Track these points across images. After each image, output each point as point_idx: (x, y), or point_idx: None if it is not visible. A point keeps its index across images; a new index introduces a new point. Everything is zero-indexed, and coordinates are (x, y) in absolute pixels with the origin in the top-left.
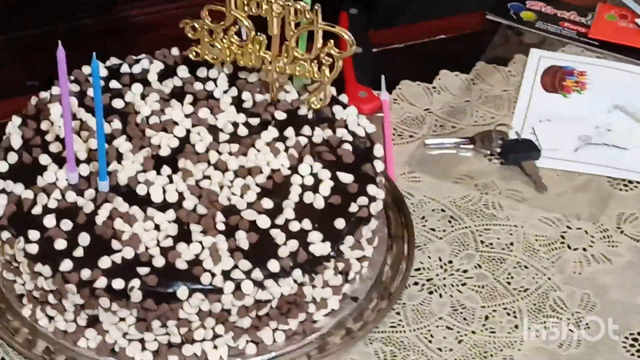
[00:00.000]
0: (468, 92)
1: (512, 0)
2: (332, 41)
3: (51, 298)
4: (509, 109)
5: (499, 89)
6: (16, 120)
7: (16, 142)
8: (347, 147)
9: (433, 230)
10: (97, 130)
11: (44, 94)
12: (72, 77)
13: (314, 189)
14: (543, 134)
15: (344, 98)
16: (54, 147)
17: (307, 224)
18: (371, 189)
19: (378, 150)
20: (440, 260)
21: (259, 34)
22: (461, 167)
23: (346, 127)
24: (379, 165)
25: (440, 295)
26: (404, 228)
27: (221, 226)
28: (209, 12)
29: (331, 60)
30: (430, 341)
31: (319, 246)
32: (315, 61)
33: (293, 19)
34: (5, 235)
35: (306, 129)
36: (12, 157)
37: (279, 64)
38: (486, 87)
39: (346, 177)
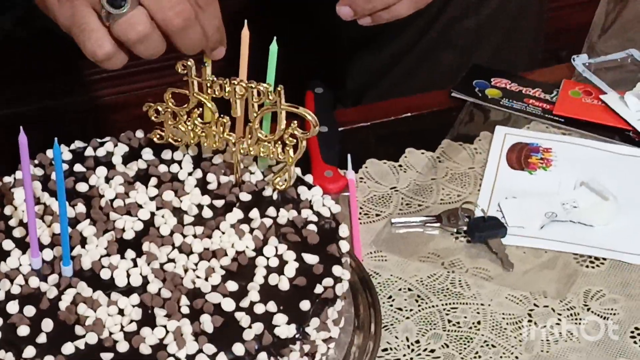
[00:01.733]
0: (434, 170)
1: (478, 78)
2: (295, 122)
3: None
4: (475, 187)
5: (464, 166)
6: None
7: None
8: (312, 227)
9: (400, 309)
10: (60, 215)
11: (7, 179)
12: (36, 161)
13: (279, 270)
14: (509, 211)
15: (309, 178)
16: (18, 232)
17: (272, 306)
18: (336, 269)
19: (343, 230)
20: (407, 340)
21: (222, 115)
22: (428, 245)
23: (311, 207)
24: (344, 246)
25: None
26: (370, 308)
27: (185, 310)
28: (172, 95)
29: (295, 140)
30: None
31: (284, 328)
32: (280, 142)
33: (256, 101)
34: None
35: (271, 210)
36: None
37: (243, 146)
38: (452, 164)
39: (311, 259)
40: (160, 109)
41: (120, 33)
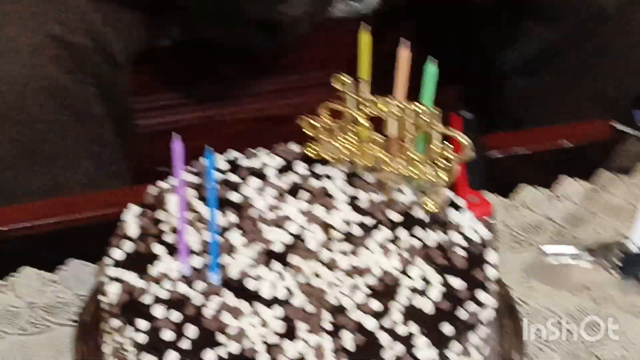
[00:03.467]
0: (590, 201)
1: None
2: (449, 144)
3: None
4: (632, 221)
5: (622, 199)
6: (135, 209)
7: (133, 231)
8: (460, 251)
9: (546, 341)
10: (210, 223)
11: (163, 184)
12: (192, 169)
13: (423, 292)
14: None
15: (461, 202)
16: (169, 238)
17: (414, 328)
18: (481, 295)
19: (491, 256)
20: None
21: (376, 134)
22: (579, 277)
23: (460, 231)
24: (491, 272)
25: None
26: (515, 337)
27: (328, 326)
28: (327, 111)
29: (448, 163)
30: None
31: (425, 351)
32: (432, 164)
33: (411, 121)
34: (117, 323)
35: (419, 232)
36: (128, 246)
37: (395, 166)
38: (609, 197)
39: (457, 283)
40: (315, 123)
41: None
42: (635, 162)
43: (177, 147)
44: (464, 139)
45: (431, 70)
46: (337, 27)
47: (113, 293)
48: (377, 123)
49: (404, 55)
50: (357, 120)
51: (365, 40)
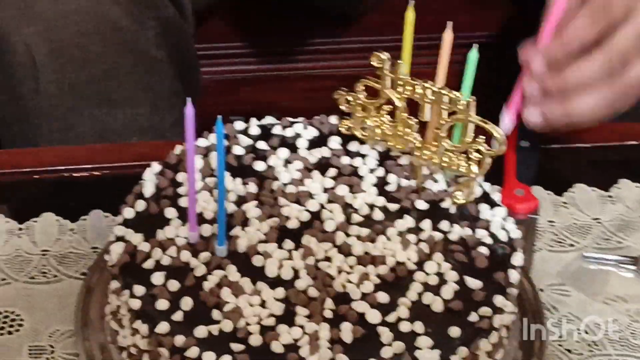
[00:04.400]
0: None
1: None
2: (483, 137)
3: (146, 358)
4: None
5: None
6: (155, 167)
7: (148, 190)
8: (483, 250)
9: (569, 351)
10: (219, 194)
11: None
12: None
13: (436, 290)
14: None
15: (497, 196)
16: (183, 202)
17: (419, 326)
18: (498, 299)
19: (517, 258)
20: None
21: (411, 117)
22: (617, 287)
23: (488, 228)
24: (513, 276)
25: None
26: (537, 345)
27: (328, 313)
28: (365, 87)
29: (480, 156)
30: None
31: (427, 353)
32: (465, 154)
33: (446, 108)
34: (114, 285)
35: (444, 224)
36: (140, 205)
37: (426, 152)
38: None
39: (474, 283)
40: (350, 99)
41: None
42: None
43: (190, 112)
44: (498, 133)
45: (473, 57)
46: None
47: (116, 253)
48: (415, 106)
49: (447, 38)
50: (391, 101)
51: (409, 18)
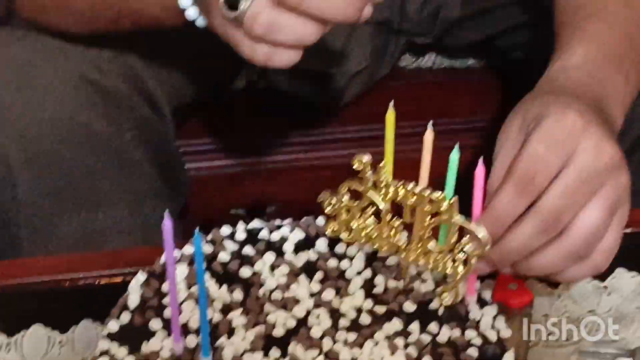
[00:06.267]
0: None
1: None
2: (467, 237)
3: None
4: None
5: None
6: (140, 277)
7: (133, 302)
8: (472, 352)
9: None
10: (199, 306)
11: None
12: (209, 237)
13: None
14: None
15: (487, 294)
16: (169, 312)
17: None
18: None
19: (508, 359)
20: None
21: (395, 218)
22: None
23: (478, 328)
24: None
25: None
26: None
27: None
28: (349, 189)
29: (465, 256)
30: None
31: None
32: (451, 253)
33: (428, 210)
34: None
35: (433, 326)
36: (125, 317)
37: (411, 253)
38: None
39: None
40: (334, 202)
41: (249, 30)
42: None
43: (167, 224)
44: (482, 234)
45: (454, 158)
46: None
47: None
48: (401, 206)
49: (428, 138)
50: (374, 203)
51: (390, 120)
